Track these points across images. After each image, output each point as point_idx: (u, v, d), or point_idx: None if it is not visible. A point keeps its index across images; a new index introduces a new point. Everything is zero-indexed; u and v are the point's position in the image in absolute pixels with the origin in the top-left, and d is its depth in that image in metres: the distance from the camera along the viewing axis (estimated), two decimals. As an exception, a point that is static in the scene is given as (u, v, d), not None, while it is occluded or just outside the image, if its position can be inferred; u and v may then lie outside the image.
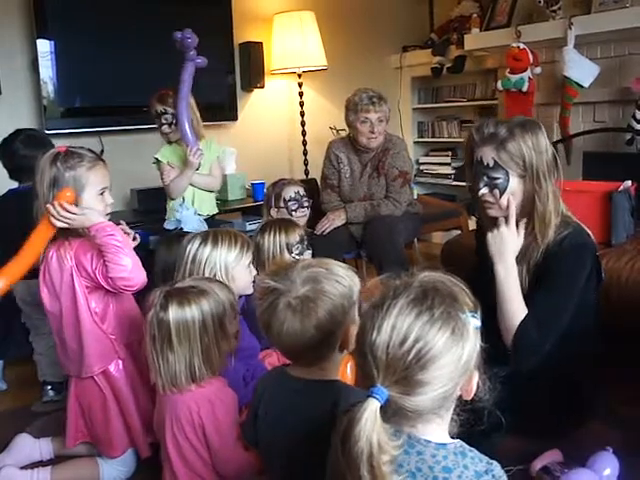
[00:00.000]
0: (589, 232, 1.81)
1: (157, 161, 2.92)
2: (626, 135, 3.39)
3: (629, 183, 2.89)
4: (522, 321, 1.70)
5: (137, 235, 2.01)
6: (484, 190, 1.76)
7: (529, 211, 1.76)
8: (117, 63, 3.62)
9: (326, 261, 1.36)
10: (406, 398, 0.92)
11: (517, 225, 1.76)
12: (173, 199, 2.90)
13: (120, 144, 3.69)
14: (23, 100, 3.48)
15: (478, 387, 1.03)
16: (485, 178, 1.76)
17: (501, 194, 1.75)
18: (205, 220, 2.89)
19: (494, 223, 1.80)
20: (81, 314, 1.81)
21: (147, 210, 3.51)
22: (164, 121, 2.89)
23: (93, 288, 1.82)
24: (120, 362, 1.90)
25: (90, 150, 1.88)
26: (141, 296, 1.90)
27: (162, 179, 2.92)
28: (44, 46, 3.39)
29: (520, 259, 1.77)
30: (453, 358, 0.94)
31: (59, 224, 1.74)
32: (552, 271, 1.73)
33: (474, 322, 0.98)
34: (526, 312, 1.72)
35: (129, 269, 1.74)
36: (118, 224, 1.88)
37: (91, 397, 1.90)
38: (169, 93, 2.88)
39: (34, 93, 3.49)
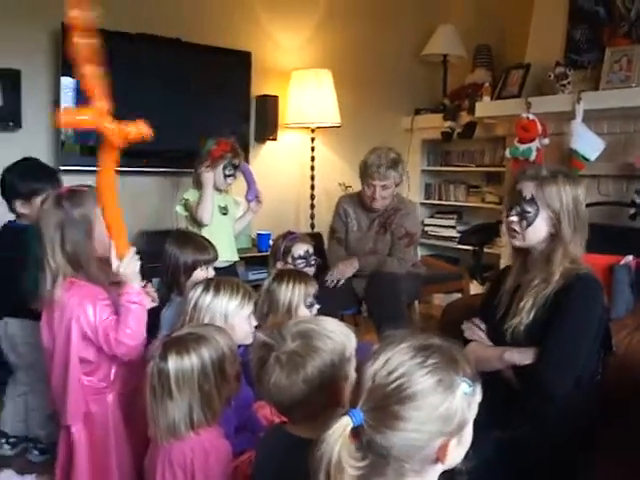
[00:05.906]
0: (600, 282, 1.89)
1: (186, 201, 3.02)
2: (630, 210, 3.43)
3: (630, 258, 2.91)
4: (539, 361, 1.77)
5: (156, 297, 2.04)
6: (514, 218, 1.87)
7: (548, 250, 1.85)
8: (134, 106, 3.68)
9: (319, 318, 1.41)
10: (378, 429, 0.95)
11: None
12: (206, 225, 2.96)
13: (126, 185, 3.73)
14: (42, 135, 3.54)
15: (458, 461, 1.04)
16: (518, 208, 1.87)
17: (528, 226, 1.85)
18: (225, 268, 2.91)
19: (516, 254, 1.96)
20: (71, 361, 1.81)
21: (153, 253, 3.52)
22: (238, 173, 3.11)
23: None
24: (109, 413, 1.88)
25: (90, 186, 1.89)
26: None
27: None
28: (67, 84, 3.47)
29: (526, 292, 1.85)
30: (431, 405, 0.96)
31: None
32: (564, 309, 1.78)
33: (464, 387, 0.99)
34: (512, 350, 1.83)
35: (135, 336, 1.79)
36: (149, 281, 1.93)
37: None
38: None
39: (54, 129, 3.54)
